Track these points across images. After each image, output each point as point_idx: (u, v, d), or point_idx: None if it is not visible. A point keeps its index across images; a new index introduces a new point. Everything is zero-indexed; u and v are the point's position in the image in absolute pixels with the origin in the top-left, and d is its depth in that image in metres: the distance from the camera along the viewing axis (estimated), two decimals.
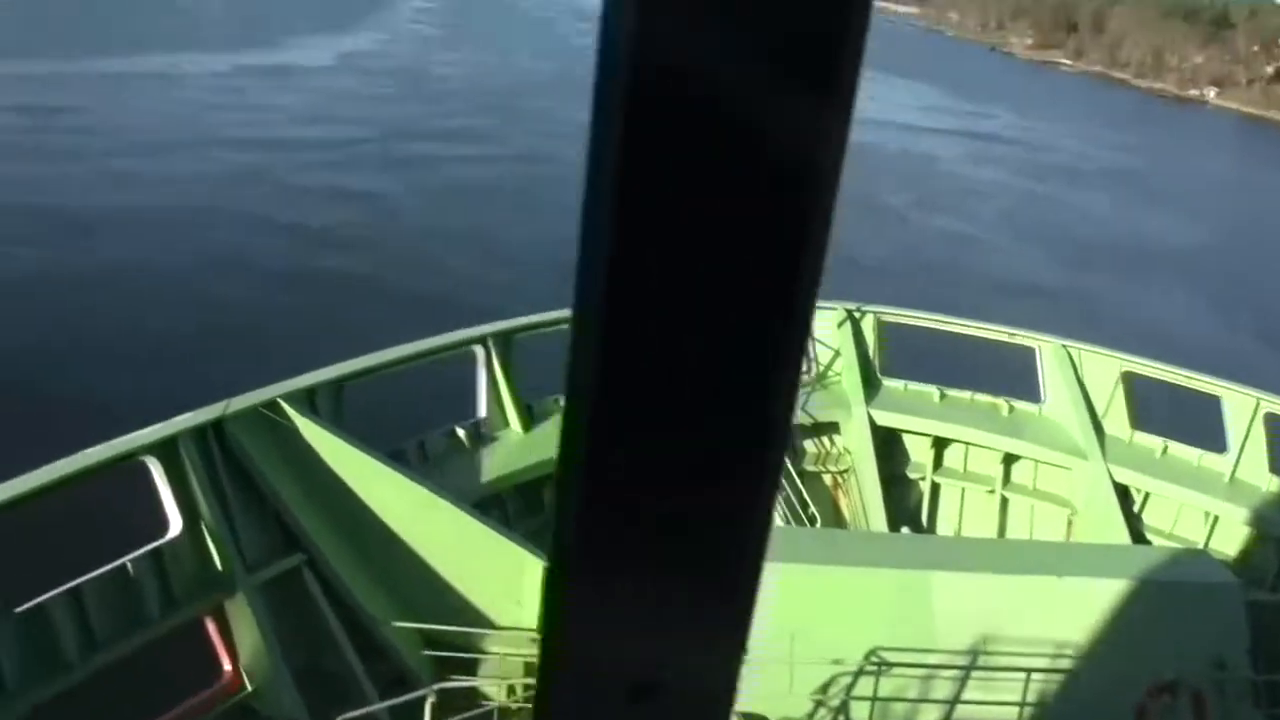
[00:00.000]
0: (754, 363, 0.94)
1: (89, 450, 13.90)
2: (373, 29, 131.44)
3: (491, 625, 17.29)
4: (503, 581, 17.10)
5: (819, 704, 16.14)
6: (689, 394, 0.95)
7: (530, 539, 17.59)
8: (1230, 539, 21.86)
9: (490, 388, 20.12)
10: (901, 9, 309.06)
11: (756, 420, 0.97)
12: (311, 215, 48.89)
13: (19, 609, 13.08)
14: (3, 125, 59.16)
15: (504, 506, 19.52)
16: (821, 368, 23.95)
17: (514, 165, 63.73)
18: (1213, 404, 22.56)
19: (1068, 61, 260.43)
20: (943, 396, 24.21)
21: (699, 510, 0.98)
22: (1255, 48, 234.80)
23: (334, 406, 17.60)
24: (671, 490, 0.97)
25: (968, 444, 23.98)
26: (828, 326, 23.81)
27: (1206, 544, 21.56)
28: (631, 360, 0.95)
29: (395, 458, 17.73)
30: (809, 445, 23.48)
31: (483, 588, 17.37)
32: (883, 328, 24.47)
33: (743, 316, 0.93)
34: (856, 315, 24.21)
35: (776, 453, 0.97)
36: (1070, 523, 23.10)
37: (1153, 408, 23.64)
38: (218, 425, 15.72)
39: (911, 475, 24.19)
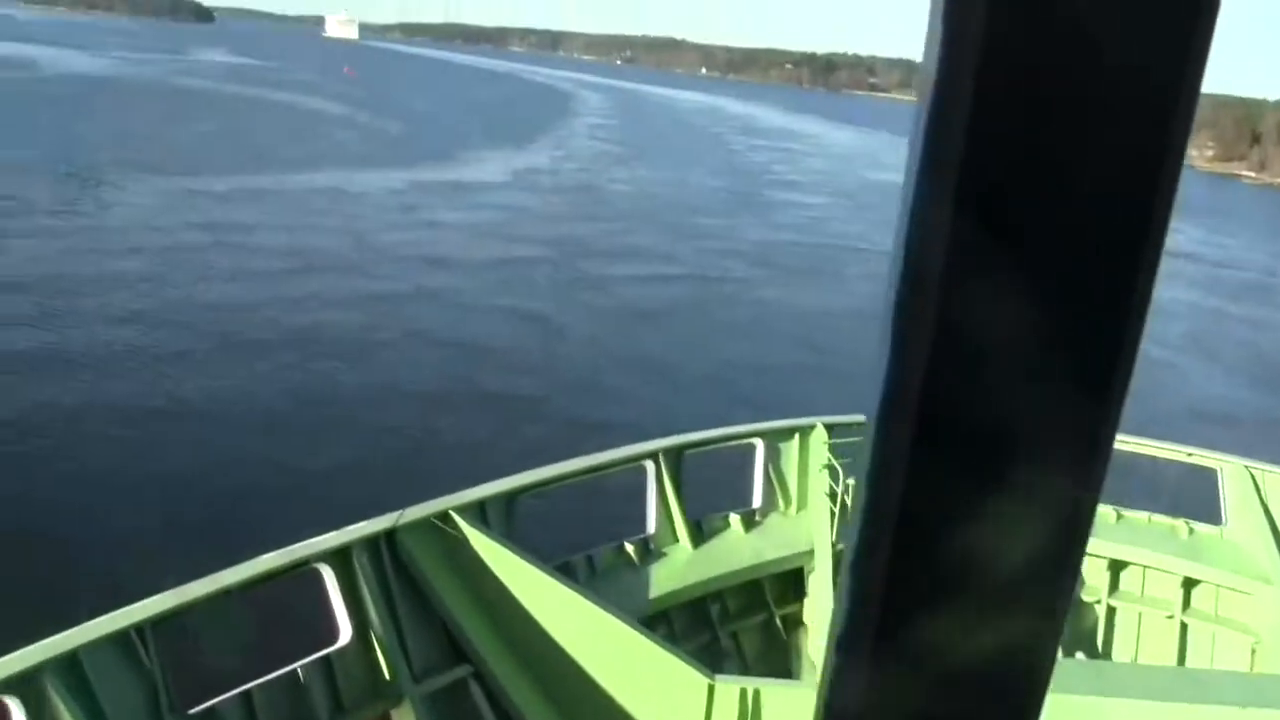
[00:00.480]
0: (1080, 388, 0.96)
1: (265, 556, 14.08)
2: (548, 145, 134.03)
3: None
4: (669, 699, 16.41)
5: None
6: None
7: (698, 656, 17.10)
8: None
9: (660, 503, 19.83)
10: None
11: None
12: (480, 336, 48.06)
13: (192, 710, 13.06)
14: (179, 243, 60.35)
15: (671, 623, 19.27)
16: None
17: (686, 285, 62.81)
18: None
19: (1250, 174, 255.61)
20: (1119, 517, 22.79)
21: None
22: None
23: (505, 519, 17.47)
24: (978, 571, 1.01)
25: (1145, 566, 22.75)
26: None
27: None
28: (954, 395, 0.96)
29: (564, 571, 17.58)
30: None
31: (649, 705, 16.56)
32: None
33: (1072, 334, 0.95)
34: None
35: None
36: (1254, 651, 21.54)
37: None
38: (390, 535, 15.82)
39: (1087, 598, 22.92)
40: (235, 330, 45.79)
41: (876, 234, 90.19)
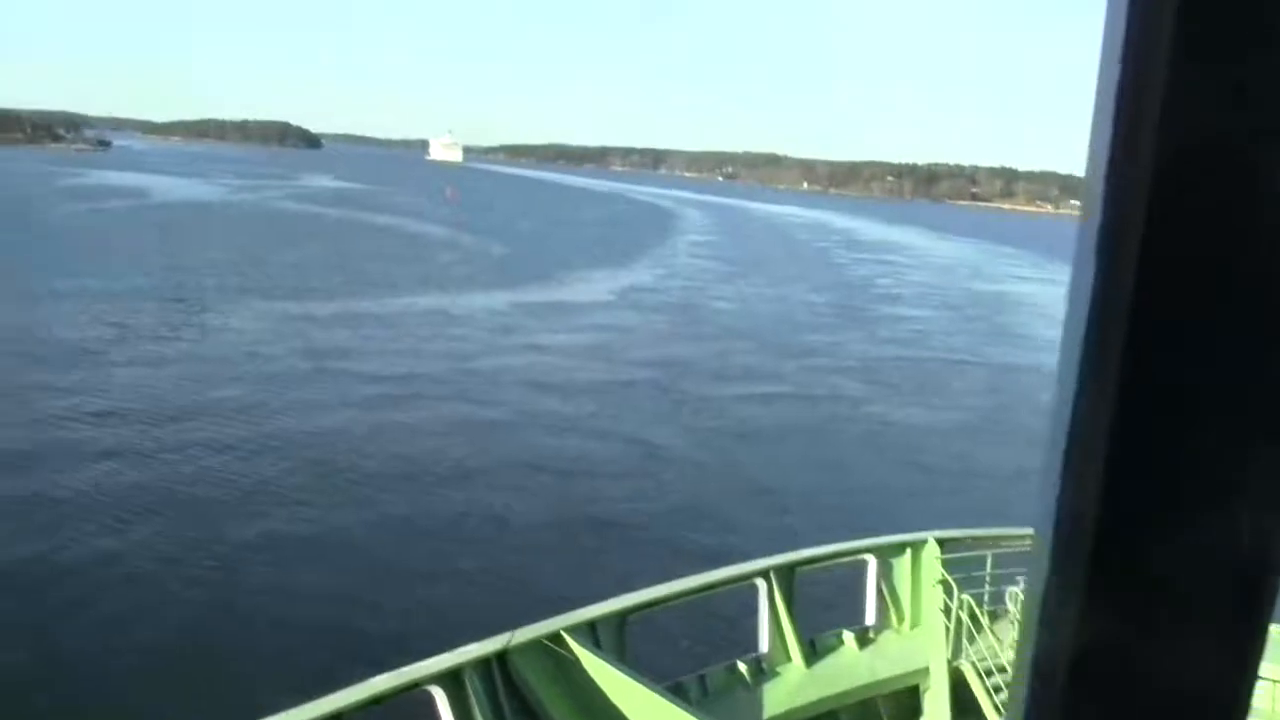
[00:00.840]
0: None
1: (377, 678, 14.34)
2: (650, 263, 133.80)
3: None
4: None
5: None
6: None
7: None
8: None
9: (772, 621, 19.81)
10: None
11: None
12: (582, 462, 46.64)
13: None
14: (280, 370, 60.28)
15: None
16: None
17: (792, 405, 61.05)
18: None
19: None
20: None
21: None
22: None
23: (616, 639, 17.54)
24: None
25: None
26: None
27: None
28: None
29: (676, 692, 17.53)
30: None
31: None
32: None
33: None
34: None
35: None
36: None
37: None
38: (501, 656, 15.93)
39: None
40: (335, 459, 44.94)
41: (982, 346, 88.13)
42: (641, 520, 39.89)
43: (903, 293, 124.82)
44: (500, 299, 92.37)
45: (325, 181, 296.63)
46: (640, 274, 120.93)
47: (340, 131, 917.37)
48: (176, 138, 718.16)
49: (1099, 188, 1.14)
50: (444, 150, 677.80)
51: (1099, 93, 1.17)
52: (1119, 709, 1.15)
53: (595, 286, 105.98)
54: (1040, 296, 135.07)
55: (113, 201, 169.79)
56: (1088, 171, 1.21)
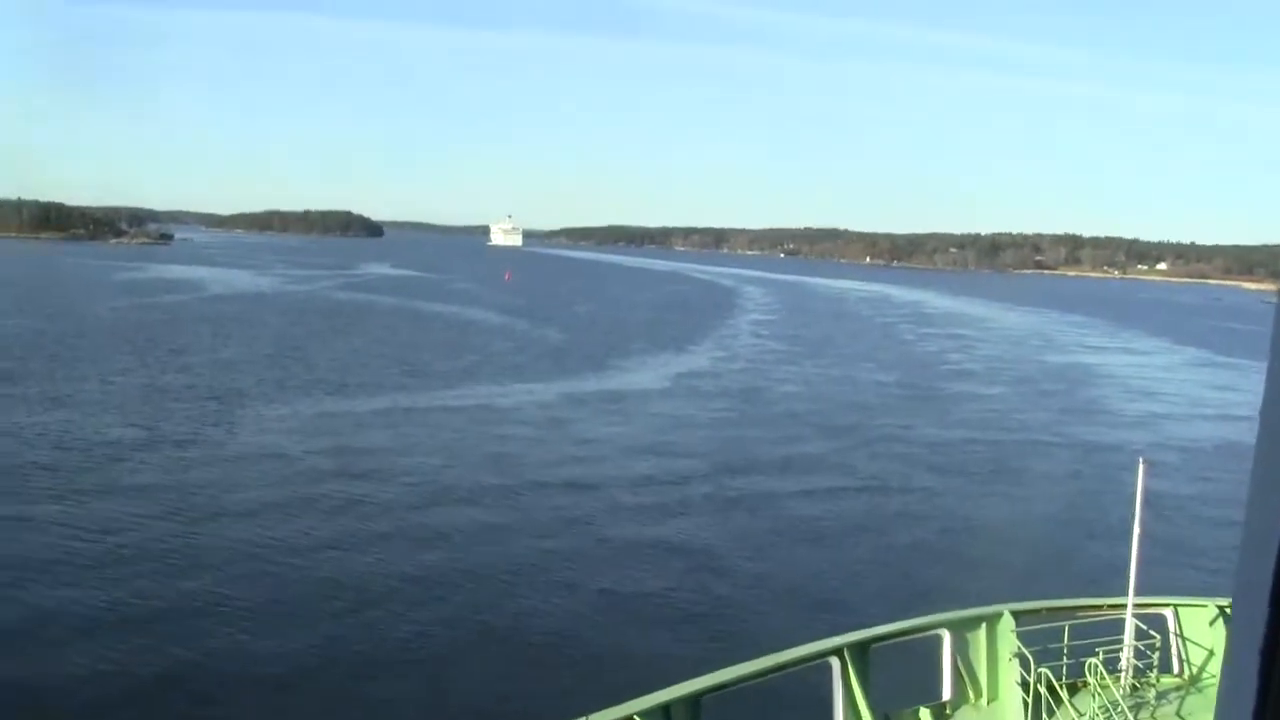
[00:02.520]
0: None
1: None
2: (710, 346, 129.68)
3: None
4: None
5: None
6: None
7: None
8: None
9: (846, 699, 19.68)
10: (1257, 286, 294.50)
11: None
12: (624, 577, 42.24)
13: None
14: (300, 472, 56.54)
15: None
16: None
17: (859, 499, 56.53)
18: None
19: None
20: None
21: None
22: None
23: None
24: None
25: None
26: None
27: None
28: None
29: None
30: None
31: None
32: None
33: None
34: None
35: None
36: None
37: None
38: None
39: None
40: (350, 575, 41.19)
41: (1061, 424, 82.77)
42: (683, 652, 35.25)
43: (973, 368, 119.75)
44: (551, 389, 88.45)
45: (382, 269, 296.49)
46: (699, 357, 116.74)
47: (403, 219, 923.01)
48: (239, 229, 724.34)
49: None
50: (504, 235, 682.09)
51: None
52: None
53: (652, 373, 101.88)
54: (1116, 367, 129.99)
55: (166, 296, 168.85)
56: None
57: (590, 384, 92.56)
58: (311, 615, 37.46)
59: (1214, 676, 21.46)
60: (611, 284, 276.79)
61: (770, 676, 18.93)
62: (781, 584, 42.68)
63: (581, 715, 16.14)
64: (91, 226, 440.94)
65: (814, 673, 19.89)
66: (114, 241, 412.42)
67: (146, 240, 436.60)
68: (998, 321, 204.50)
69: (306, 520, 48.33)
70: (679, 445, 67.94)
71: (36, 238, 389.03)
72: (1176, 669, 23.57)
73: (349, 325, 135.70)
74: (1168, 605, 24.00)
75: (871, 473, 62.87)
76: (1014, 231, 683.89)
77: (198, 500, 50.64)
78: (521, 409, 78.72)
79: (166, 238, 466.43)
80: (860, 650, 20.01)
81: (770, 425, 76.69)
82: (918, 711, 20.84)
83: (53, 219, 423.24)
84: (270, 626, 36.28)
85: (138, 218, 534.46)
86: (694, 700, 17.57)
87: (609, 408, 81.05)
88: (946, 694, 21.32)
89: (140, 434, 64.14)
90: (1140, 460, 23.82)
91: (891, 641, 20.81)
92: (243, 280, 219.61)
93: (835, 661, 19.67)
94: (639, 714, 16.64)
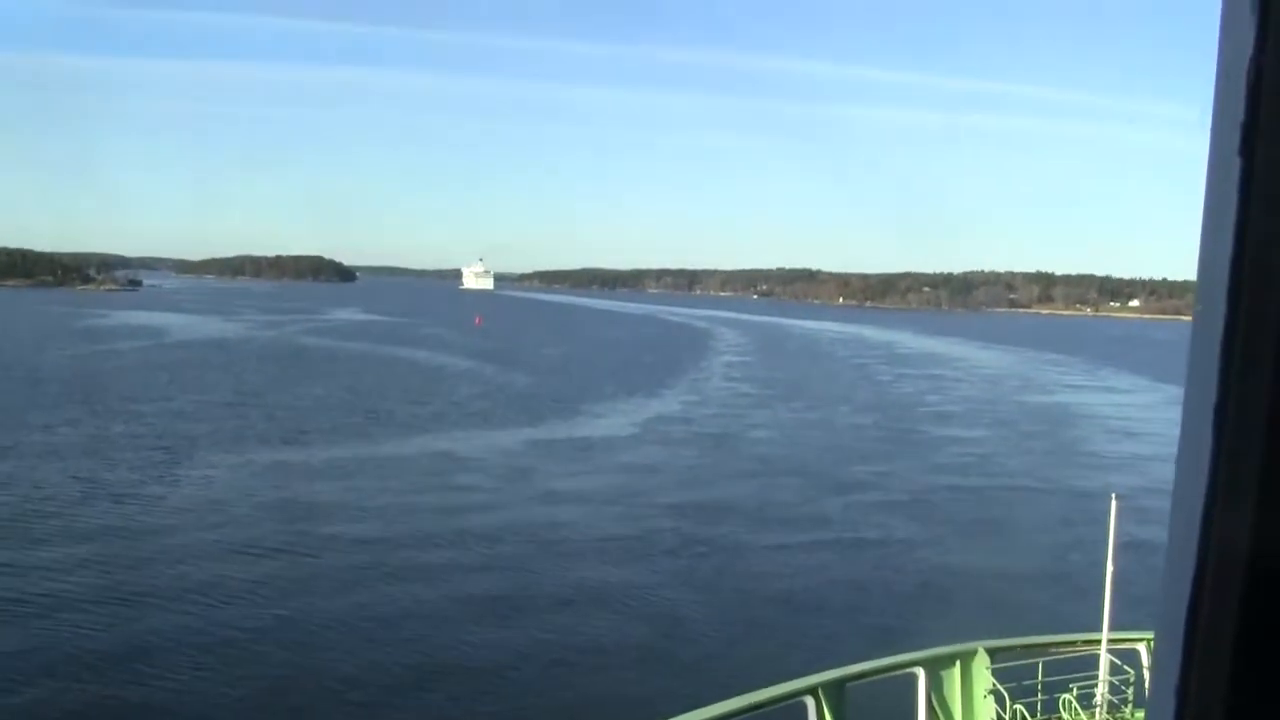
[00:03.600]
0: None
1: None
2: (681, 390, 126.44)
3: None
4: None
5: None
6: None
7: None
8: None
9: None
10: None
11: None
12: (583, 647, 39.25)
13: None
14: (236, 536, 52.72)
15: None
16: None
17: (836, 553, 53.34)
18: None
19: None
20: None
21: None
22: None
23: None
24: None
25: None
26: None
27: None
28: None
29: None
30: None
31: None
32: None
33: None
34: None
35: None
36: None
37: None
38: None
39: None
40: (274, 635, 38.09)
41: (1045, 469, 79.81)
42: None
43: (952, 410, 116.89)
44: (515, 437, 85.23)
45: (351, 315, 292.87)
46: (670, 402, 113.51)
47: (375, 264, 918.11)
48: (210, 275, 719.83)
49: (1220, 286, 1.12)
50: (476, 279, 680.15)
51: (1214, 179, 1.13)
52: None
53: (621, 418, 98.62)
54: (1097, 406, 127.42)
55: (125, 342, 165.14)
56: (1201, 271, 1.21)
57: (556, 431, 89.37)
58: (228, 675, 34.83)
59: None
60: (582, 327, 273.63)
61: (745, 715, 18.80)
62: (748, 652, 39.34)
63: None
64: (59, 273, 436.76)
65: (789, 712, 19.71)
66: (81, 288, 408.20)
67: (114, 286, 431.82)
68: (974, 360, 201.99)
69: (232, 579, 45.16)
70: (646, 497, 64.66)
71: (1, 284, 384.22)
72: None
73: (312, 372, 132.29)
74: (1141, 640, 24.12)
75: (847, 524, 59.78)
76: (987, 270, 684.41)
77: (121, 555, 47.87)
78: (482, 458, 75.42)
79: (135, 284, 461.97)
80: (836, 689, 19.95)
81: (742, 474, 73.49)
82: None
83: (18, 265, 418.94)
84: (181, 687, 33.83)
85: (107, 264, 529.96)
86: None
87: (574, 456, 77.83)
88: None
89: (77, 487, 61.04)
90: (1112, 496, 24.07)
91: (867, 680, 20.81)
92: (206, 326, 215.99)
93: (810, 700, 19.62)
94: None
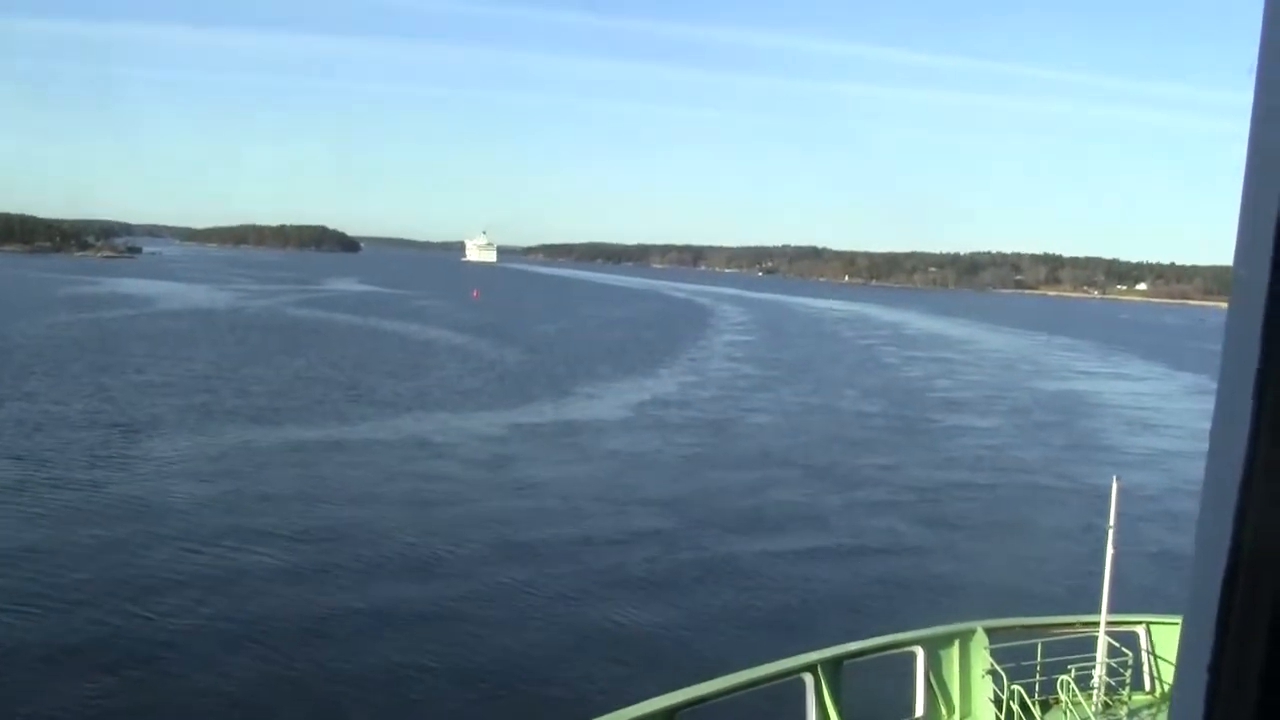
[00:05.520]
0: None
1: None
2: (680, 369, 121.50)
3: None
4: None
5: None
6: None
7: None
8: None
9: (820, 716, 19.73)
10: None
11: None
12: (551, 669, 34.70)
13: None
14: (173, 522, 47.38)
15: None
16: None
17: (835, 564, 47.71)
18: None
19: None
20: None
21: None
22: None
23: None
24: None
25: None
26: None
27: None
28: None
29: None
30: None
31: None
32: None
33: None
34: None
35: None
36: None
37: None
38: None
39: None
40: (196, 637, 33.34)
41: (1063, 463, 74.58)
42: None
43: (962, 397, 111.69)
44: (502, 419, 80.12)
45: (348, 285, 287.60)
46: (667, 382, 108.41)
47: (380, 235, 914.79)
48: (214, 244, 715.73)
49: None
50: (479, 251, 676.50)
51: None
52: None
53: (614, 400, 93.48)
54: (1112, 395, 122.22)
55: (111, 311, 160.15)
56: (1238, 260, 1.23)
57: (545, 414, 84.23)
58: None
59: None
60: (583, 302, 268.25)
61: (744, 692, 18.94)
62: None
63: None
64: (58, 239, 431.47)
65: (788, 689, 19.88)
66: (78, 254, 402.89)
67: (112, 254, 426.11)
68: (983, 344, 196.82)
69: (156, 575, 40.91)
70: (632, 491, 59.45)
71: None
72: (1148, 686, 23.86)
73: (296, 345, 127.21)
74: (1140, 623, 24.36)
75: (850, 527, 54.58)
76: (993, 250, 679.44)
77: (43, 547, 43.82)
78: (460, 444, 70.26)
79: (134, 251, 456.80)
80: (834, 666, 20.16)
81: (740, 465, 68.24)
82: None
83: (16, 232, 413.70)
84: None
85: (110, 231, 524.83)
86: (668, 715, 17.51)
87: (560, 443, 72.61)
88: (919, 711, 21.54)
89: (14, 471, 56.20)
90: (1114, 479, 23.63)
91: (865, 658, 21.13)
92: (198, 295, 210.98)
93: (809, 678, 19.83)
94: None
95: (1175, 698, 1.45)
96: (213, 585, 40.56)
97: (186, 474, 58.06)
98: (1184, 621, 1.34)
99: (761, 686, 19.43)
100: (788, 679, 19.88)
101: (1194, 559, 1.30)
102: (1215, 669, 1.28)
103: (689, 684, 18.54)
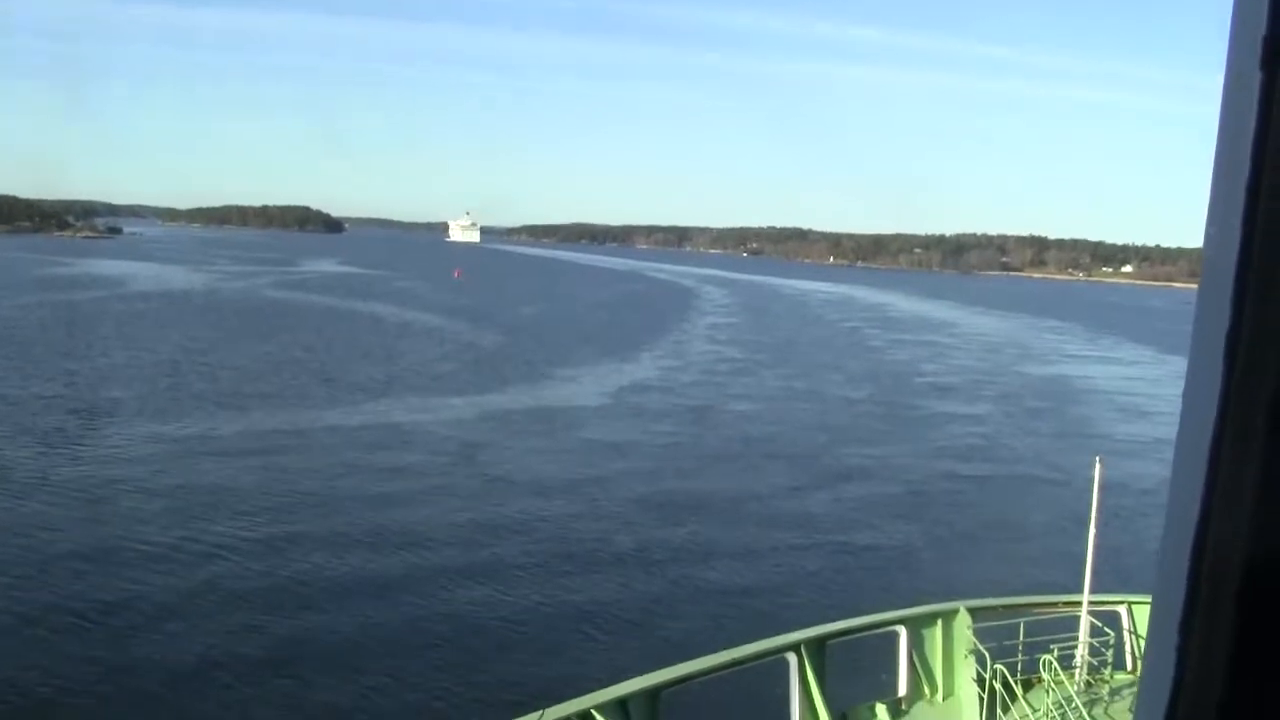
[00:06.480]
0: None
1: None
2: (661, 353, 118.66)
3: None
4: None
5: None
6: None
7: None
8: None
9: (803, 695, 19.81)
10: None
11: None
12: (487, 663, 32.03)
13: None
14: (123, 509, 44.63)
15: None
16: None
17: (816, 564, 45.38)
18: None
19: None
20: None
21: None
22: None
23: (648, 715, 17.50)
24: None
25: None
26: None
27: None
28: None
29: None
30: None
31: None
32: None
33: None
34: None
35: None
36: None
37: None
38: None
39: None
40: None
41: (1055, 454, 71.94)
42: None
43: (950, 381, 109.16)
44: (474, 405, 77.42)
45: (328, 266, 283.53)
46: (647, 367, 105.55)
47: (364, 215, 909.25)
48: (196, 224, 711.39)
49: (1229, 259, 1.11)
50: (462, 231, 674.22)
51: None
52: None
53: (593, 385, 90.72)
54: (1104, 380, 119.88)
55: (82, 292, 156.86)
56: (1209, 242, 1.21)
57: (520, 399, 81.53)
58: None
59: None
60: (566, 283, 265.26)
61: (728, 671, 19.01)
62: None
63: (538, 710, 16.14)
64: (37, 219, 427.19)
65: (771, 668, 19.99)
66: (57, 234, 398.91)
67: (92, 234, 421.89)
68: (970, 326, 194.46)
69: (92, 577, 38.45)
70: (606, 484, 56.69)
71: None
72: (1130, 666, 23.83)
73: (269, 327, 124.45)
74: (1122, 603, 24.31)
75: (836, 524, 52.01)
76: (979, 232, 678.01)
77: None
78: (431, 430, 67.65)
79: (114, 231, 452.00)
80: (817, 646, 20.25)
81: (720, 456, 65.63)
82: (874, 707, 21.07)
83: None
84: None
85: (92, 211, 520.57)
86: (652, 694, 17.62)
87: (534, 430, 69.87)
88: (902, 690, 21.58)
89: None
90: (1097, 459, 23.74)
91: (849, 638, 21.23)
92: (174, 276, 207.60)
93: (792, 657, 19.89)
94: (596, 708, 16.61)
95: (1144, 676, 1.45)
96: (160, 569, 39.04)
97: (141, 460, 55.81)
98: (1153, 599, 1.34)
99: (745, 666, 19.58)
100: (771, 658, 20.10)
101: (1162, 536, 1.30)
102: (1183, 648, 1.28)
103: (671, 664, 18.57)
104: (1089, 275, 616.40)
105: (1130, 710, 20.85)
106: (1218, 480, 1.21)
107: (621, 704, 17.20)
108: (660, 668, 18.47)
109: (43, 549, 41.25)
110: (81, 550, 41.23)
